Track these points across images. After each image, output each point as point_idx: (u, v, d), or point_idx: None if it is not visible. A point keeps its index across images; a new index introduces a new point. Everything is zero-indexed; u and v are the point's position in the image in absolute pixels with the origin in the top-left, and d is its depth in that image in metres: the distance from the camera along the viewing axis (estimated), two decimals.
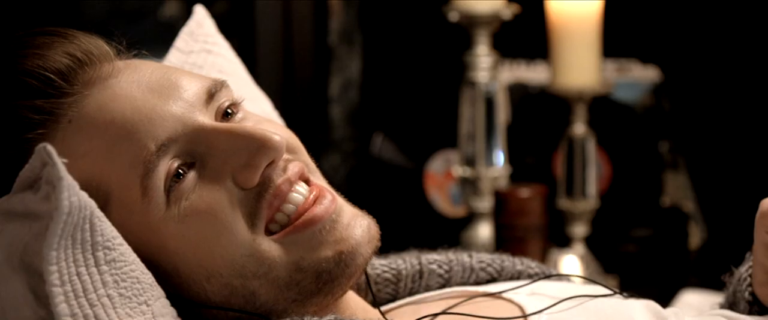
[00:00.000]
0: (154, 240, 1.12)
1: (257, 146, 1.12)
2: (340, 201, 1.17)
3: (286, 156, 1.16)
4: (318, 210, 1.14)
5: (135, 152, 1.10)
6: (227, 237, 1.11)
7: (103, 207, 1.10)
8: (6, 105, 1.12)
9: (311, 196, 1.15)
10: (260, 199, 1.12)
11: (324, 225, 1.14)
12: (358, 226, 1.16)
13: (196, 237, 1.11)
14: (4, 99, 1.12)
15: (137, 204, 1.11)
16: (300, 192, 1.15)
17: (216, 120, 1.16)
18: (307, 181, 1.17)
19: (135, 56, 1.21)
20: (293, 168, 1.15)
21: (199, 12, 1.53)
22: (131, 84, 1.13)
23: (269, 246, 1.12)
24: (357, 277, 1.17)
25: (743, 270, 1.28)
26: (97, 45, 1.16)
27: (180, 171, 1.11)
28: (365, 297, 1.31)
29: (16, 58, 1.13)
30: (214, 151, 1.12)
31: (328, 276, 1.14)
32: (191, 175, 1.12)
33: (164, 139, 1.11)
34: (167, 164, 1.11)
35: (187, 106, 1.13)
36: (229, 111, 1.17)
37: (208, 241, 1.11)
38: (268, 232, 1.13)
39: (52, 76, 1.12)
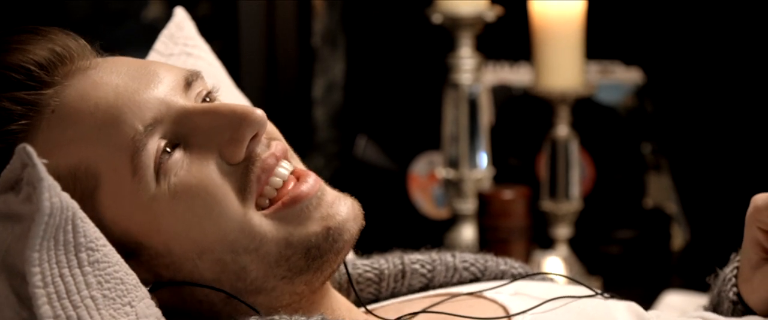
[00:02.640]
0: (145, 220, 1.12)
1: (240, 120, 1.13)
2: (323, 183, 1.19)
3: (268, 136, 1.18)
4: (303, 187, 1.15)
5: (123, 133, 1.11)
6: (218, 211, 1.12)
7: (93, 191, 1.11)
8: None
9: (294, 179, 1.17)
10: (248, 173, 1.14)
11: (310, 201, 1.15)
12: (342, 204, 1.17)
13: (187, 212, 1.12)
14: None
15: (128, 185, 1.11)
16: (285, 167, 1.17)
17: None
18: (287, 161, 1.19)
19: (109, 56, 1.22)
20: (277, 146, 1.17)
21: (179, 14, 1.52)
22: (111, 73, 1.15)
23: (260, 221, 1.14)
24: (345, 254, 1.18)
25: (728, 270, 1.28)
26: (76, 41, 1.18)
27: (167, 149, 1.12)
28: (348, 297, 1.31)
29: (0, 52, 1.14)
30: (198, 130, 1.14)
31: (317, 252, 1.15)
32: (178, 153, 1.13)
33: (151, 120, 1.12)
34: (155, 142, 1.12)
35: (168, 91, 1.15)
36: (206, 99, 1.18)
37: (199, 216, 1.12)
38: (257, 207, 1.15)
39: (33, 67, 1.13)
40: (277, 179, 1.16)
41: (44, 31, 1.17)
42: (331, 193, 1.18)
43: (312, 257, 1.15)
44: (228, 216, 1.12)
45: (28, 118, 1.12)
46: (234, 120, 1.14)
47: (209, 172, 1.13)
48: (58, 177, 1.06)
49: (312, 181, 1.17)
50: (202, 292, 1.15)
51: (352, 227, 1.17)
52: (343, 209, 1.17)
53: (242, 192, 1.13)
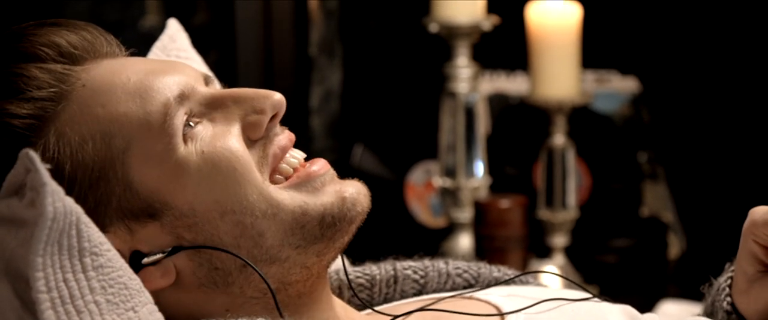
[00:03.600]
0: (172, 181, 1.15)
1: (263, 96, 1.19)
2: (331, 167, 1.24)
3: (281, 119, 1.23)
4: (315, 167, 1.21)
5: (155, 101, 1.16)
6: (241, 173, 1.16)
7: (124, 152, 1.15)
8: (21, 70, 1.16)
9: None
10: (266, 149, 1.19)
11: (324, 177, 1.21)
12: (351, 184, 1.23)
13: (212, 173, 1.16)
14: (18, 66, 1.17)
15: (158, 146, 1.15)
16: (296, 156, 1.22)
17: None
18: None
19: None
20: (290, 134, 1.22)
21: (173, 26, 1.53)
22: (136, 61, 1.21)
23: (277, 191, 1.18)
24: (357, 224, 1.22)
25: (722, 280, 1.28)
26: (106, 36, 1.23)
27: (190, 123, 1.17)
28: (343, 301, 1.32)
29: (31, 34, 1.19)
30: (222, 107, 1.19)
31: (331, 219, 1.19)
32: (202, 125, 1.18)
33: (180, 92, 1.18)
34: (184, 111, 1.17)
35: (191, 79, 1.20)
36: None
37: (223, 175, 1.16)
38: (273, 182, 1.19)
39: (64, 45, 1.18)
40: (292, 160, 1.21)
41: (76, 23, 1.22)
42: (338, 177, 1.24)
43: (326, 224, 1.19)
44: (249, 180, 1.16)
45: (58, 88, 1.16)
46: (258, 96, 1.19)
47: (232, 139, 1.17)
48: (90, 138, 1.14)
49: (322, 163, 1.22)
50: (219, 259, 1.17)
51: (363, 202, 1.22)
52: (354, 186, 1.22)
53: (260, 165, 1.18)
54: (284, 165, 1.20)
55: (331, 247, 1.20)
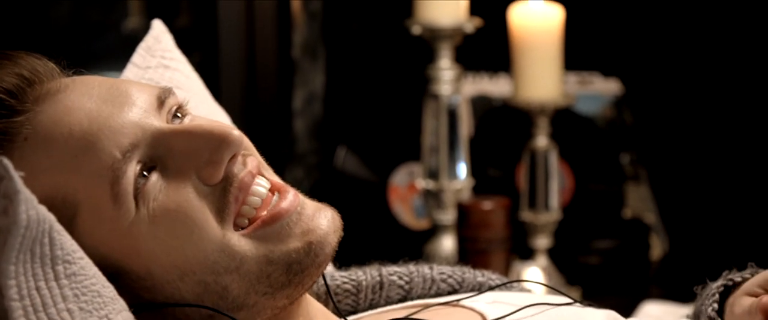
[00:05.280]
0: (125, 246, 1.12)
1: (218, 142, 1.13)
2: (301, 196, 1.18)
3: (242, 151, 1.17)
4: (283, 204, 1.15)
5: (100, 161, 1.10)
6: (198, 234, 1.12)
7: (72, 218, 1.10)
8: None
9: (274, 195, 1.17)
10: (226, 194, 1.13)
11: (290, 218, 1.15)
12: (322, 217, 1.17)
13: (167, 236, 1.11)
14: None
15: (107, 212, 1.11)
16: (262, 184, 1.16)
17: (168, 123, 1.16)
18: (262, 177, 1.18)
19: (74, 73, 1.20)
20: (252, 162, 1.17)
21: (157, 27, 1.52)
22: (82, 97, 1.13)
23: (239, 241, 1.13)
24: (325, 266, 1.17)
25: (715, 286, 1.29)
26: (42, 62, 1.16)
27: (144, 173, 1.12)
28: (326, 307, 1.31)
29: None
30: (174, 152, 1.13)
31: (299, 267, 1.15)
32: (155, 177, 1.12)
33: (128, 145, 1.11)
34: (133, 168, 1.11)
35: (142, 112, 1.14)
36: (178, 114, 1.17)
37: (179, 239, 1.11)
38: (236, 227, 1.14)
39: (2, 96, 1.12)
40: (255, 198, 1.15)
41: (9, 55, 1.16)
42: (310, 206, 1.18)
43: (293, 272, 1.15)
44: (207, 239, 1.12)
45: (1, 147, 1.11)
46: (212, 141, 1.13)
47: (187, 195, 1.12)
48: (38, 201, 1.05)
49: (291, 197, 1.16)
50: (183, 312, 1.15)
51: (332, 240, 1.17)
52: (323, 222, 1.17)
53: (220, 213, 1.13)
54: (247, 207, 1.14)
55: (301, 290, 1.17)
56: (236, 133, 1.14)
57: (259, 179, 1.17)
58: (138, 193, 1.11)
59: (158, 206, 1.11)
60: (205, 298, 1.14)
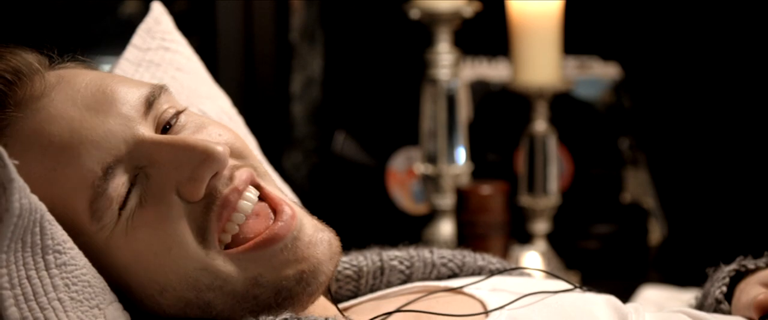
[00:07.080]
0: (103, 259, 1.10)
1: (200, 159, 1.10)
2: (300, 213, 1.15)
3: (233, 162, 1.14)
4: (279, 227, 1.12)
5: (80, 176, 1.08)
6: (177, 252, 1.09)
7: None
8: None
9: (272, 217, 1.14)
10: (208, 212, 1.10)
11: (285, 243, 1.12)
12: (319, 243, 1.14)
13: (145, 252, 1.09)
14: None
15: (85, 226, 1.09)
16: (249, 198, 1.13)
17: (157, 130, 1.14)
18: (257, 187, 1.15)
19: (70, 60, 1.18)
20: (241, 176, 1.13)
21: (157, 9, 1.51)
22: (66, 102, 1.11)
23: (224, 262, 1.11)
24: (318, 295, 1.15)
25: (727, 269, 1.29)
26: (26, 61, 1.13)
27: (128, 187, 1.09)
28: (325, 294, 1.31)
29: None
30: (156, 164, 1.10)
31: (288, 294, 1.13)
32: (135, 191, 1.10)
33: (110, 162, 1.09)
34: (115, 185, 1.09)
35: (126, 121, 1.11)
36: (170, 123, 1.15)
37: (158, 256, 1.09)
38: (221, 243, 1.12)
39: None
40: (240, 215, 1.12)
41: None
42: (308, 228, 1.14)
43: (282, 297, 1.13)
44: (187, 257, 1.10)
45: None
46: (194, 157, 1.10)
47: (167, 212, 1.09)
48: None
49: (287, 218, 1.13)
50: None
51: (327, 269, 1.14)
52: (319, 249, 1.14)
53: (202, 233, 1.10)
54: (231, 224, 1.11)
55: (291, 310, 1.14)
56: (220, 149, 1.10)
57: (248, 192, 1.13)
58: (117, 211, 1.09)
59: (136, 223, 1.09)
60: (188, 312, 1.12)
